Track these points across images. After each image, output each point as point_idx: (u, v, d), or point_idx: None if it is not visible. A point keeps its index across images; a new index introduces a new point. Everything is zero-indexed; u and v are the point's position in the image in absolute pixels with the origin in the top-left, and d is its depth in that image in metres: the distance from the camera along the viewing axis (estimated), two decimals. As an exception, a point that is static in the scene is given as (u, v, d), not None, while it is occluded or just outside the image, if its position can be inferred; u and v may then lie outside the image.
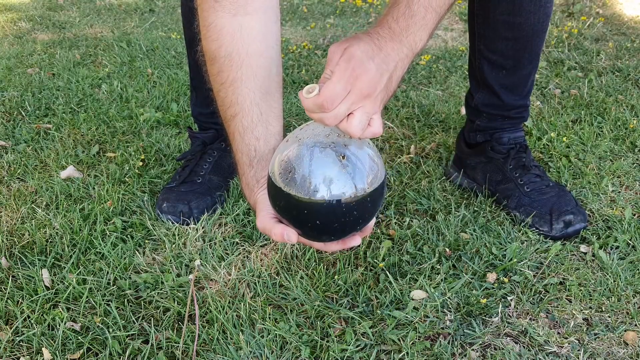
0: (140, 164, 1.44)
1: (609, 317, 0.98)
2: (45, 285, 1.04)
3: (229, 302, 1.00)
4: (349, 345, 0.92)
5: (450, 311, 0.99)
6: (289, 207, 0.69)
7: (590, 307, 1.00)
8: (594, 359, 0.91)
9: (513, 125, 1.30)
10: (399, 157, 1.48)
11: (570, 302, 1.01)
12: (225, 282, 1.06)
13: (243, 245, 1.15)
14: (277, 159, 0.70)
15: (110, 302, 1.00)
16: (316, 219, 0.68)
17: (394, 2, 0.76)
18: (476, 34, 1.23)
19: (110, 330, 0.95)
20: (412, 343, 0.92)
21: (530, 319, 0.98)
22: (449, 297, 1.01)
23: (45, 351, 0.91)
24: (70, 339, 0.93)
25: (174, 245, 1.14)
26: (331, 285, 1.04)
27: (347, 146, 0.67)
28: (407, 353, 0.90)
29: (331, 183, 0.65)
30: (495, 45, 1.20)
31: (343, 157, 0.66)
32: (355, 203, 0.66)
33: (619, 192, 1.32)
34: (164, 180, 1.38)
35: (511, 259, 1.09)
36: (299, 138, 0.68)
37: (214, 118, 1.36)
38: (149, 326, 0.96)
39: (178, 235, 1.17)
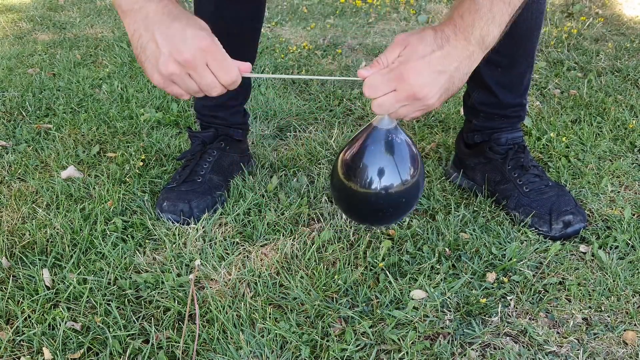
0: (141, 164, 1.44)
1: (609, 316, 0.98)
2: (45, 285, 1.05)
3: (229, 302, 1.00)
4: (349, 345, 0.92)
5: (450, 311, 0.99)
6: (348, 197, 0.83)
7: (589, 307, 1.00)
8: (594, 359, 0.91)
9: (511, 125, 1.30)
10: (399, 157, 1.48)
11: (570, 301, 1.02)
12: (226, 282, 1.06)
13: (243, 245, 1.16)
14: (340, 157, 0.82)
15: (110, 302, 1.01)
16: (370, 207, 0.82)
17: None
18: None
19: (111, 329, 0.95)
20: (412, 343, 0.92)
21: (529, 318, 0.98)
22: (448, 297, 1.01)
23: (45, 351, 0.91)
24: (71, 339, 0.94)
25: (174, 245, 1.15)
26: (331, 285, 1.04)
27: (395, 145, 0.79)
28: (407, 353, 0.91)
29: (382, 176, 0.78)
30: None
31: (392, 153, 0.78)
32: (402, 191, 0.80)
33: (619, 192, 1.32)
34: (164, 180, 1.38)
35: (511, 259, 1.09)
36: (362, 135, 0.80)
37: (215, 111, 1.36)
38: (150, 326, 0.96)
39: (178, 235, 1.18)
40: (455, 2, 0.76)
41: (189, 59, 0.71)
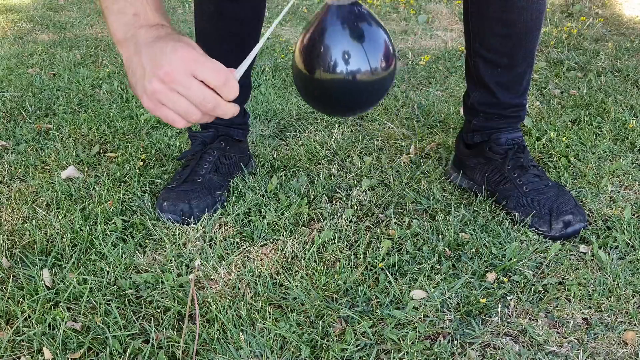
0: (141, 164, 1.44)
1: (609, 316, 0.98)
2: (45, 285, 1.05)
3: (229, 302, 1.00)
4: (349, 345, 0.92)
5: (450, 311, 0.99)
6: (311, 83, 0.72)
7: (589, 307, 1.00)
8: (593, 359, 0.91)
9: (510, 125, 1.30)
10: (399, 157, 1.48)
11: (570, 301, 1.02)
12: (226, 282, 1.06)
13: (243, 245, 1.16)
14: (298, 43, 0.72)
15: (110, 302, 1.01)
16: (334, 94, 0.72)
17: None
18: (471, 32, 1.24)
19: (111, 329, 0.95)
20: (412, 342, 0.92)
21: (529, 318, 0.98)
22: (448, 297, 1.01)
23: (46, 351, 0.91)
24: (71, 339, 0.94)
25: (174, 245, 1.15)
26: (331, 284, 1.04)
27: (362, 23, 0.69)
28: (407, 352, 0.91)
29: (349, 59, 0.68)
30: (490, 42, 1.21)
31: (360, 37, 0.69)
32: (371, 81, 0.70)
33: (619, 192, 1.32)
34: (164, 180, 1.38)
35: (511, 259, 1.09)
36: (315, 21, 0.70)
37: None
38: (150, 326, 0.96)
39: (178, 235, 1.18)
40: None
41: (169, 71, 0.65)
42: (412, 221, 1.21)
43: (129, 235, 1.18)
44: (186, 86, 0.65)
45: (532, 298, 1.02)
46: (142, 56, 0.67)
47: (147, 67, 0.66)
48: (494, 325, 0.97)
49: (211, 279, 1.07)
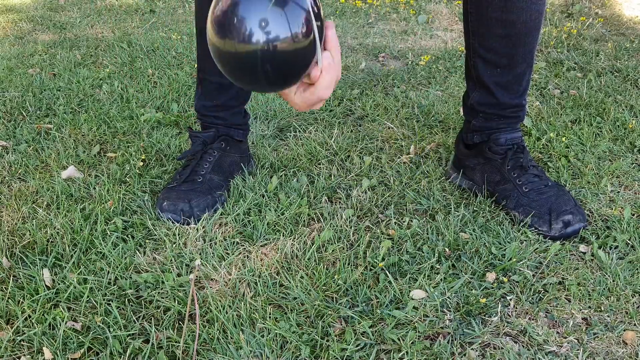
0: (141, 164, 1.44)
1: (608, 316, 0.98)
2: (46, 285, 1.05)
3: (230, 302, 1.00)
4: (349, 345, 0.92)
5: (450, 311, 0.99)
6: (228, 60, 0.66)
7: (589, 307, 1.00)
8: (593, 359, 0.91)
9: (509, 126, 1.30)
10: (399, 157, 1.48)
11: (570, 301, 1.02)
12: (226, 282, 1.06)
13: (243, 245, 1.16)
14: (209, 16, 0.66)
15: (111, 302, 1.01)
16: (253, 66, 0.65)
17: None
18: (470, 32, 1.24)
19: (111, 329, 0.95)
20: (412, 342, 0.92)
21: (529, 318, 0.98)
22: (448, 297, 1.02)
23: (46, 350, 0.91)
24: (71, 339, 0.94)
25: (174, 245, 1.15)
26: (331, 284, 1.04)
27: None
28: (407, 352, 0.91)
29: (266, 27, 0.61)
30: (489, 43, 1.21)
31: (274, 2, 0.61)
32: (292, 50, 0.63)
33: (618, 192, 1.32)
34: (164, 180, 1.38)
35: (510, 259, 1.09)
36: None
37: (216, 112, 1.37)
38: (150, 326, 0.96)
39: (178, 235, 1.18)
40: None
41: None
42: (412, 221, 1.21)
43: (129, 235, 1.18)
44: None
45: (532, 298, 1.02)
46: None
47: None
48: (493, 325, 0.97)
49: (211, 279, 1.08)
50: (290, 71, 0.66)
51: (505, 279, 1.05)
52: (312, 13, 0.63)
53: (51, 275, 1.07)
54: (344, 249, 1.14)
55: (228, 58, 0.65)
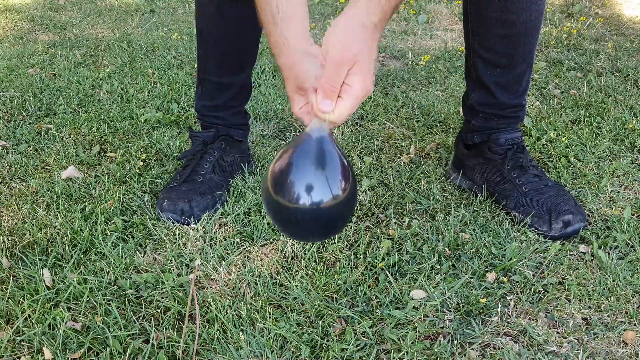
0: (141, 164, 1.44)
1: (608, 316, 0.98)
2: (46, 285, 1.05)
3: (230, 302, 1.00)
4: (349, 345, 0.92)
5: (450, 311, 0.99)
6: (279, 212, 0.77)
7: (589, 307, 1.00)
8: (593, 359, 0.91)
9: (509, 126, 1.30)
10: (399, 157, 1.48)
11: (570, 301, 1.02)
12: (226, 282, 1.06)
13: (243, 245, 1.16)
14: (269, 169, 0.77)
15: (111, 302, 1.01)
16: (300, 222, 0.76)
17: None
18: (470, 32, 1.24)
19: (111, 329, 0.95)
20: (412, 342, 0.92)
21: (529, 318, 0.98)
22: (448, 297, 1.02)
23: (46, 350, 0.91)
24: (71, 339, 0.94)
25: (174, 245, 1.15)
26: (331, 284, 1.04)
27: (326, 158, 0.74)
28: (407, 352, 0.91)
29: (311, 190, 0.72)
30: (489, 43, 1.21)
31: (322, 168, 0.73)
32: (333, 207, 0.74)
33: (618, 192, 1.32)
34: (164, 180, 1.38)
35: (510, 259, 1.09)
36: (287, 149, 0.75)
37: (216, 111, 1.37)
38: (150, 326, 0.96)
39: (179, 235, 1.18)
40: None
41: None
42: (412, 221, 1.21)
43: (129, 235, 1.18)
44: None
45: (532, 298, 1.02)
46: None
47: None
48: (493, 325, 0.97)
49: (211, 279, 1.08)
50: (332, 225, 0.79)
51: (505, 279, 1.05)
52: (349, 170, 0.76)
53: (51, 275, 1.07)
54: (344, 249, 1.14)
55: (279, 211, 0.76)
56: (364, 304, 1.01)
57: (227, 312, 0.98)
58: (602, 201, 1.28)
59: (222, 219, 1.23)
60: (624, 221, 1.19)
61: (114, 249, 1.13)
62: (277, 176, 0.74)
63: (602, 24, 2.61)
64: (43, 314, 0.98)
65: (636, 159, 1.46)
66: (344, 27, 0.71)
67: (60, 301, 1.01)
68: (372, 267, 1.09)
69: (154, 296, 1.02)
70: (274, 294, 1.03)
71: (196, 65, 1.40)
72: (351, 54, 0.69)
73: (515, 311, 1.00)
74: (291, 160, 0.73)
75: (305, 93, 0.78)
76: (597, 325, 0.96)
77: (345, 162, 0.76)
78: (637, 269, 1.08)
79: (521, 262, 1.09)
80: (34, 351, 0.92)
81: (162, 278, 1.06)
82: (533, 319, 0.98)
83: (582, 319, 0.98)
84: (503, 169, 1.27)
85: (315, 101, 0.72)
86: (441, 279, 1.05)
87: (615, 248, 1.13)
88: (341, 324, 0.97)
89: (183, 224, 1.21)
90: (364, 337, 0.94)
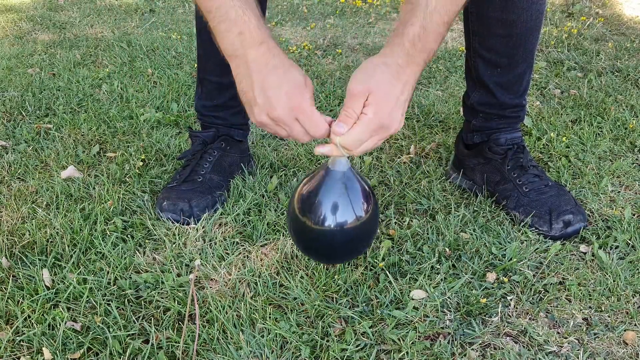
0: (141, 163, 1.44)
1: (609, 316, 0.98)
2: (45, 285, 1.05)
3: (229, 302, 1.00)
4: (349, 345, 0.92)
5: (450, 311, 0.99)
6: (304, 233, 0.82)
7: (589, 307, 1.00)
8: (594, 359, 0.91)
9: (509, 125, 1.30)
10: (399, 157, 1.48)
11: (570, 301, 1.02)
12: (226, 282, 1.06)
13: (243, 245, 1.16)
14: (297, 192, 0.82)
15: (110, 302, 1.01)
16: (326, 243, 0.82)
17: (406, 19, 0.78)
18: (471, 32, 1.23)
19: (111, 329, 0.95)
20: (412, 343, 0.92)
21: (529, 318, 0.98)
22: (448, 297, 1.01)
23: (45, 351, 0.91)
24: (71, 339, 0.94)
25: (174, 245, 1.15)
26: (331, 284, 1.04)
27: (350, 188, 0.80)
28: (407, 353, 0.91)
29: (336, 212, 0.78)
30: (489, 42, 1.21)
31: (345, 194, 0.79)
32: (356, 228, 0.80)
33: (619, 192, 1.32)
34: (164, 180, 1.38)
35: (511, 259, 1.09)
36: (317, 177, 0.81)
37: (216, 111, 1.36)
38: (150, 326, 0.96)
39: (178, 235, 1.17)
40: (403, 25, 0.78)
41: (280, 116, 0.77)
42: (412, 221, 1.21)
43: (129, 235, 1.18)
44: (291, 128, 0.78)
45: (533, 298, 1.02)
46: (254, 85, 0.78)
47: (259, 99, 0.78)
48: (494, 325, 0.97)
49: (211, 279, 1.07)
50: (355, 246, 0.85)
51: (505, 279, 1.05)
52: (371, 197, 0.81)
53: (51, 275, 1.07)
54: (344, 249, 1.14)
55: (304, 233, 0.82)
56: (364, 304, 1.01)
57: (227, 312, 0.98)
58: (603, 201, 1.28)
59: (222, 219, 1.23)
60: (624, 221, 1.19)
61: (113, 249, 1.13)
62: (304, 200, 0.81)
63: (603, 23, 2.61)
64: (43, 314, 0.98)
65: (637, 159, 1.46)
66: (364, 65, 0.78)
67: (60, 301, 1.01)
68: (372, 267, 1.09)
69: (154, 296, 1.02)
70: (274, 294, 1.03)
71: (196, 65, 1.40)
72: (363, 87, 0.75)
73: (516, 311, 1.00)
74: (318, 186, 0.79)
75: (311, 98, 0.80)
76: (598, 326, 0.96)
77: (365, 186, 0.82)
78: (638, 269, 1.07)
79: (521, 262, 1.09)
80: (33, 351, 0.92)
81: (162, 278, 1.06)
82: (533, 319, 0.98)
83: (583, 319, 0.98)
84: (503, 169, 1.27)
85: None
86: (441, 279, 1.05)
87: (615, 248, 1.13)
88: (341, 324, 0.97)
89: (183, 224, 1.21)
90: (364, 337, 0.94)
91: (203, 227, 1.19)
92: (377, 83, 0.75)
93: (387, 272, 1.06)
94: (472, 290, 1.03)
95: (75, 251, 1.13)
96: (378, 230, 1.18)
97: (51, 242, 1.16)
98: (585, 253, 1.13)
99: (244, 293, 1.03)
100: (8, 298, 1.02)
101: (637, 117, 1.67)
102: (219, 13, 0.78)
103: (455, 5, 0.78)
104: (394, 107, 0.76)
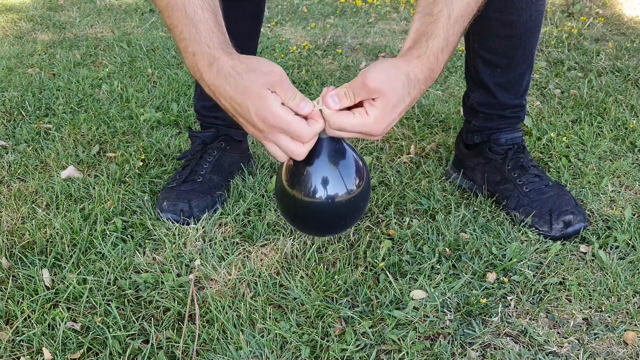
0: (141, 164, 1.44)
1: (609, 317, 0.98)
2: (45, 285, 1.04)
3: (229, 302, 1.00)
4: (349, 345, 0.92)
5: (450, 311, 0.99)
6: (293, 206, 0.78)
7: (590, 307, 1.00)
8: (594, 359, 0.91)
9: (510, 126, 1.30)
10: (399, 157, 1.48)
11: (570, 302, 1.01)
12: (226, 282, 1.06)
13: (243, 245, 1.15)
14: (284, 165, 0.78)
15: (110, 302, 1.01)
16: (316, 216, 0.78)
17: (429, 31, 0.75)
18: (470, 32, 1.23)
19: (111, 330, 0.95)
20: (412, 343, 0.92)
21: (530, 318, 0.98)
22: (448, 297, 1.01)
23: (45, 351, 0.91)
24: (71, 339, 0.94)
25: (174, 245, 1.15)
26: (331, 285, 1.04)
27: (339, 155, 0.76)
28: (407, 353, 0.90)
29: (327, 185, 0.74)
30: (489, 43, 1.21)
31: (337, 165, 0.75)
32: (346, 201, 0.77)
33: (619, 192, 1.32)
34: (164, 180, 1.38)
35: (511, 259, 1.09)
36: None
37: (215, 112, 1.36)
38: (149, 326, 0.96)
39: (178, 235, 1.17)
40: (427, 38, 0.75)
41: (261, 128, 0.71)
42: (412, 221, 1.21)
43: (128, 235, 1.18)
44: (276, 140, 0.72)
45: (533, 298, 1.02)
46: (225, 106, 0.74)
47: (239, 119, 0.73)
48: (494, 325, 0.96)
49: (211, 279, 1.07)
50: (344, 219, 0.80)
51: (505, 279, 1.05)
52: (364, 166, 0.78)
53: (50, 275, 1.07)
54: (344, 249, 1.14)
55: (294, 205, 0.78)
56: (364, 304, 1.01)
57: (227, 313, 0.98)
58: (603, 201, 1.28)
59: (222, 219, 1.23)
60: (624, 221, 1.19)
61: (113, 249, 1.13)
62: (292, 172, 0.76)
63: (603, 23, 2.60)
64: (42, 314, 0.98)
65: (637, 159, 1.46)
66: (389, 66, 0.72)
67: (60, 301, 1.01)
68: (372, 267, 1.09)
69: (154, 296, 1.02)
70: (274, 294, 1.03)
71: None
72: (380, 86, 0.70)
73: (516, 311, 1.00)
74: (307, 157, 0.74)
75: (277, 87, 0.70)
76: (598, 326, 0.96)
77: (358, 159, 0.77)
78: (638, 269, 1.07)
79: (522, 262, 1.09)
80: (33, 351, 0.92)
81: (162, 278, 1.05)
82: (533, 319, 0.98)
83: (583, 319, 0.98)
84: (503, 169, 1.27)
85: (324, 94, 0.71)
86: (441, 279, 1.05)
87: (615, 248, 1.13)
88: (341, 324, 0.97)
89: (183, 224, 1.21)
90: (364, 337, 0.94)
91: (203, 227, 1.19)
92: (393, 92, 0.71)
93: (387, 272, 1.06)
94: (472, 290, 1.03)
95: (75, 251, 1.13)
96: (375, 228, 1.18)
97: (51, 242, 1.16)
98: (585, 253, 1.13)
99: (244, 293, 1.03)
100: (8, 298, 1.02)
101: (637, 117, 1.67)
102: (177, 31, 0.75)
103: (470, 13, 0.76)
104: (394, 120, 0.74)
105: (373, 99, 0.71)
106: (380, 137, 0.74)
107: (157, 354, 0.91)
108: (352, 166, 0.76)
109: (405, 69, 0.73)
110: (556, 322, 0.98)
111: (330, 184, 0.74)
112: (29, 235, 1.18)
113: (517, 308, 1.00)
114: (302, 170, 0.75)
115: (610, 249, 1.13)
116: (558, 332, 0.95)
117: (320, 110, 0.71)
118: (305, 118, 0.71)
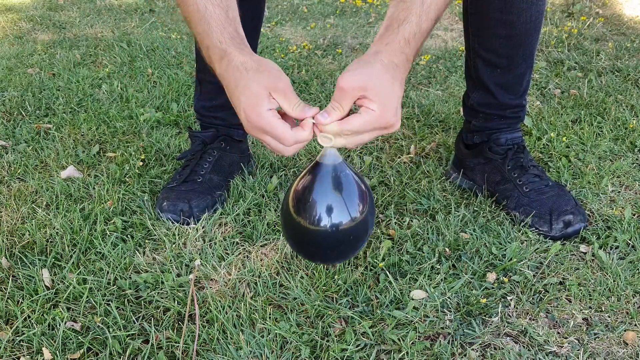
0: (141, 164, 1.44)
1: (609, 317, 0.98)
2: (45, 285, 1.04)
3: (229, 302, 1.00)
4: (349, 345, 0.92)
5: (450, 311, 0.99)
6: (299, 234, 0.79)
7: (590, 307, 1.00)
8: (594, 359, 0.91)
9: (510, 126, 1.30)
10: (399, 157, 1.48)
11: (570, 302, 1.01)
12: (226, 282, 1.06)
13: (243, 245, 1.15)
14: (291, 190, 0.79)
15: (110, 302, 1.01)
16: (321, 244, 0.79)
17: (401, 17, 0.76)
18: (470, 32, 1.23)
19: (111, 330, 0.95)
20: (412, 343, 0.92)
21: (530, 318, 0.98)
22: (448, 297, 1.01)
23: (45, 351, 0.91)
24: (71, 339, 0.94)
25: (174, 245, 1.15)
26: (331, 285, 1.04)
27: (344, 183, 0.77)
28: (407, 353, 0.90)
29: (331, 213, 0.75)
30: (489, 43, 1.21)
31: (341, 192, 0.76)
32: (351, 228, 0.77)
33: (619, 192, 1.32)
34: (164, 180, 1.38)
35: (511, 259, 1.09)
36: (309, 172, 0.78)
37: (215, 112, 1.36)
38: (149, 326, 0.96)
39: (178, 235, 1.17)
40: (398, 22, 0.76)
41: (249, 128, 0.75)
42: (412, 221, 1.21)
43: (128, 235, 1.18)
44: (263, 140, 0.74)
45: (533, 298, 1.02)
46: (231, 99, 0.77)
47: (235, 101, 0.76)
48: (494, 325, 0.96)
49: (211, 279, 1.07)
50: (350, 247, 0.80)
51: (505, 279, 1.05)
52: (367, 192, 0.78)
53: (50, 275, 1.07)
54: (344, 249, 1.14)
55: (300, 232, 0.78)
56: (364, 304, 1.01)
57: (227, 313, 0.98)
58: (603, 201, 1.28)
59: (222, 219, 1.23)
60: (624, 221, 1.19)
61: (113, 249, 1.13)
62: (299, 198, 0.77)
63: (603, 23, 2.60)
64: (42, 314, 0.98)
65: (637, 159, 1.46)
66: (358, 62, 0.73)
67: (60, 301, 1.01)
68: (372, 267, 1.09)
69: (154, 296, 1.02)
70: (274, 294, 1.03)
71: (195, 65, 1.40)
72: (358, 83, 0.71)
73: (516, 311, 1.00)
74: (311, 185, 0.76)
75: (280, 93, 0.72)
76: (598, 326, 0.96)
77: (361, 184, 0.78)
78: (638, 269, 1.07)
79: (522, 262, 1.09)
80: (33, 351, 0.92)
81: (162, 278, 1.05)
82: (533, 319, 0.98)
83: (583, 319, 0.98)
84: (503, 169, 1.27)
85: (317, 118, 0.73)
86: (441, 279, 1.05)
87: (615, 248, 1.13)
88: (341, 324, 0.97)
89: (182, 224, 1.21)
90: (364, 337, 0.94)
91: (203, 227, 1.19)
92: (378, 81, 0.72)
93: (387, 272, 1.06)
94: (472, 290, 1.03)
95: (75, 251, 1.13)
96: (375, 228, 1.18)
97: (51, 242, 1.16)
98: (585, 253, 1.13)
99: (244, 293, 1.03)
100: (8, 298, 1.02)
101: (637, 117, 1.67)
102: (192, 25, 0.79)
103: (445, 1, 0.77)
104: (398, 107, 0.74)
105: (365, 98, 0.71)
106: (397, 126, 0.74)
107: (157, 354, 0.91)
108: (355, 192, 0.77)
109: (376, 57, 0.74)
110: (556, 322, 0.98)
111: (335, 212, 0.75)
112: (29, 235, 1.18)
113: (517, 308, 1.00)
114: (307, 197, 0.76)
115: (610, 249, 1.13)
116: (558, 332, 0.95)
117: (314, 124, 0.73)
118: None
